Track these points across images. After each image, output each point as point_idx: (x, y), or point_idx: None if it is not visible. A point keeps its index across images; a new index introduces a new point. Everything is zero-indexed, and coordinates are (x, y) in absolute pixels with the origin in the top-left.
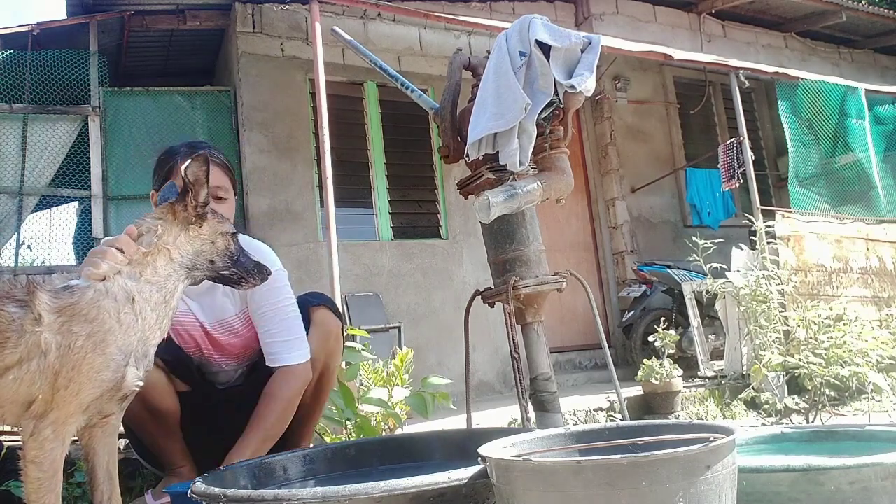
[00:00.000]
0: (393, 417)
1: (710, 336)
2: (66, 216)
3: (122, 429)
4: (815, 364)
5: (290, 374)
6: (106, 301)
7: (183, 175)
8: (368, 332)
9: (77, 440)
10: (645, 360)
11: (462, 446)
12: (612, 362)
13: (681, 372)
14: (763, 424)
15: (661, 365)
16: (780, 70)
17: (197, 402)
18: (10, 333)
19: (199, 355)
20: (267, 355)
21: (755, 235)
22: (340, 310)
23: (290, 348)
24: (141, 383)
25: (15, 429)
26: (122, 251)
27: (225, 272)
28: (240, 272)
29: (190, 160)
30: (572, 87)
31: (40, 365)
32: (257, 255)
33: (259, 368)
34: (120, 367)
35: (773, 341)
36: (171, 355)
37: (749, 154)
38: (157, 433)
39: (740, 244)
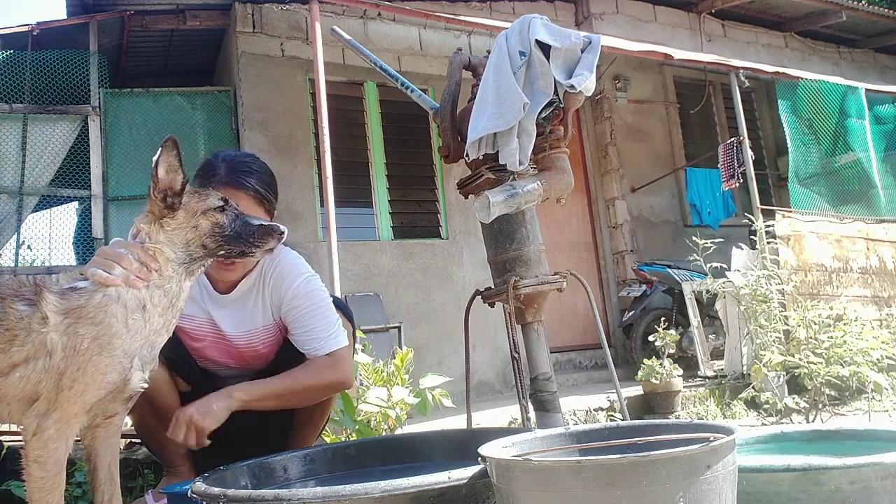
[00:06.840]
0: (393, 417)
1: (710, 336)
2: (66, 216)
3: (124, 428)
4: (815, 364)
5: (334, 357)
6: (114, 306)
7: (152, 168)
8: (368, 332)
9: (79, 440)
10: (645, 360)
11: (462, 446)
12: (612, 362)
13: (681, 372)
14: (763, 424)
15: (661, 365)
16: (781, 70)
17: None
18: (19, 331)
19: (203, 360)
20: (310, 350)
21: (755, 235)
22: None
23: (335, 335)
24: (146, 385)
25: (18, 427)
26: (139, 261)
27: (221, 252)
28: (238, 246)
29: (160, 150)
30: (572, 86)
31: (46, 364)
32: (287, 269)
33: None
34: (125, 370)
35: (774, 341)
36: (175, 354)
37: (749, 154)
38: (157, 429)
39: (740, 244)
